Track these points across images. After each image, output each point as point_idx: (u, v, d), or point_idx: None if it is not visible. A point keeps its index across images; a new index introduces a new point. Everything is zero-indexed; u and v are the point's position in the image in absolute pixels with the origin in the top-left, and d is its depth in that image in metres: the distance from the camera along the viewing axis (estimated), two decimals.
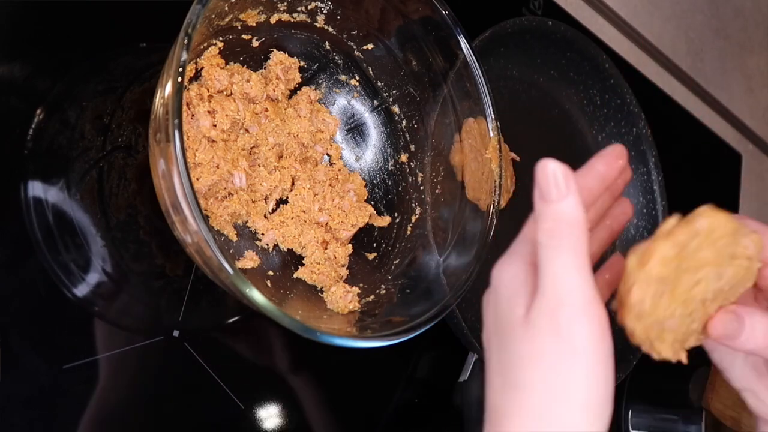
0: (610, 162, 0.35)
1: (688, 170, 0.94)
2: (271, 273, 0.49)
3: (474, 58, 0.50)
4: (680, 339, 0.34)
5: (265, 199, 0.50)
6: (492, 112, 0.50)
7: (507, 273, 0.33)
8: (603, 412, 0.30)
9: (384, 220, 0.54)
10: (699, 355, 0.87)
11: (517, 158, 0.64)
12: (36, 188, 0.45)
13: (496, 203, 0.49)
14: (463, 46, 0.49)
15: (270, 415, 0.53)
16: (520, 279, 0.32)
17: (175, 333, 0.49)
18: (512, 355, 0.31)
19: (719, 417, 0.76)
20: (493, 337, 0.33)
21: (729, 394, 0.78)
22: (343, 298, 0.48)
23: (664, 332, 0.33)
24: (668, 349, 0.33)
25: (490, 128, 0.50)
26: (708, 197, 1.08)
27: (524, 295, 0.32)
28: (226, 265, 0.37)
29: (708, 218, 0.32)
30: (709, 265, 0.32)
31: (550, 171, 0.30)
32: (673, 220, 0.32)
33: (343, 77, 0.54)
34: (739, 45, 1.09)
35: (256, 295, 0.38)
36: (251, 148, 0.50)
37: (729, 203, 1.03)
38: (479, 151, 0.51)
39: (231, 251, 0.48)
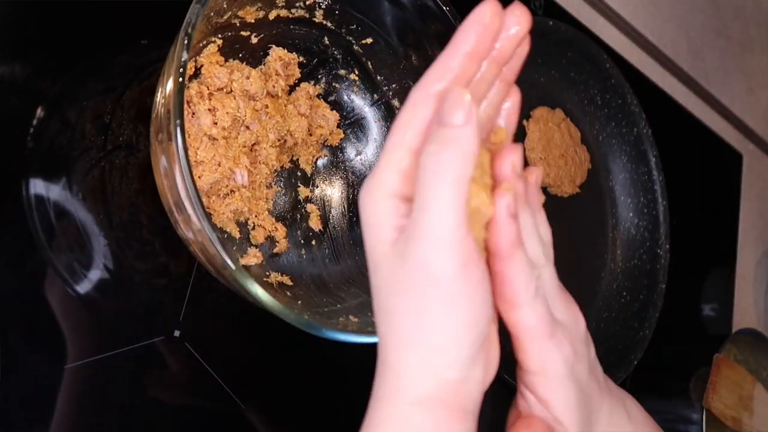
0: (478, 32, 0.31)
1: (689, 170, 0.94)
2: (274, 270, 0.49)
3: None
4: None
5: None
6: None
7: (380, 191, 0.32)
8: (469, 330, 0.30)
9: None
10: (699, 355, 0.87)
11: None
12: (38, 187, 0.45)
13: None
14: None
15: (270, 415, 0.53)
16: (392, 203, 0.31)
17: (176, 333, 0.49)
18: (381, 280, 0.32)
19: (719, 417, 0.76)
20: (368, 258, 0.33)
21: (729, 394, 0.78)
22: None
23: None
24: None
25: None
26: (708, 197, 1.09)
27: (396, 216, 0.31)
28: (229, 262, 0.37)
29: None
30: None
31: (465, 98, 0.29)
32: None
33: (342, 72, 0.54)
34: (740, 45, 1.09)
35: (260, 292, 0.38)
36: (252, 145, 0.50)
37: (730, 203, 1.03)
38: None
39: (234, 248, 0.48)
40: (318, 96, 0.54)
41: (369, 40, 0.52)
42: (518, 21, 0.32)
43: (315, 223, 0.54)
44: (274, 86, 0.51)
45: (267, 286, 0.47)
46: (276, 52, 0.51)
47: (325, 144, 0.55)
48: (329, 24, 0.51)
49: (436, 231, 0.29)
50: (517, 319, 0.32)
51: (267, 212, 0.51)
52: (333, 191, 0.55)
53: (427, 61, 0.52)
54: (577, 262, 0.73)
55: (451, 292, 0.30)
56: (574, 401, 0.33)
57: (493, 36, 0.31)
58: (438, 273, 0.30)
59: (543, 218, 0.35)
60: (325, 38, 0.52)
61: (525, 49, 0.33)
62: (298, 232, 0.53)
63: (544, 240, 0.35)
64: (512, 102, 0.35)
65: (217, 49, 0.48)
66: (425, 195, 0.29)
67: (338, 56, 0.53)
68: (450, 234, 0.29)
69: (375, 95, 0.55)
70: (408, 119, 0.31)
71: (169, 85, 0.37)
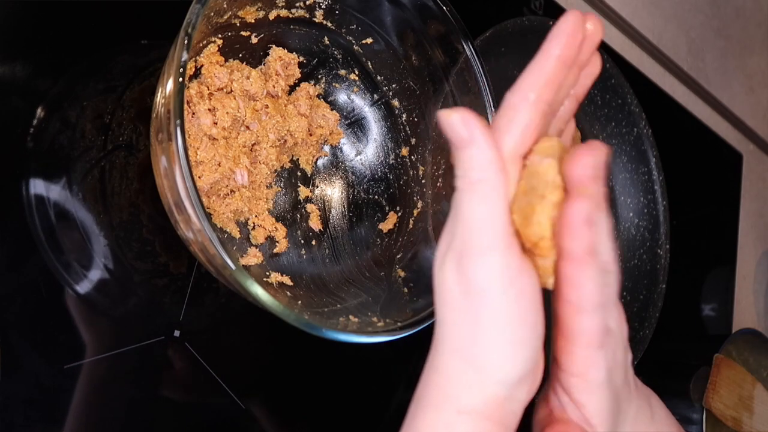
0: (569, 43, 0.32)
1: (689, 170, 0.94)
2: (274, 270, 0.49)
3: (474, 53, 0.50)
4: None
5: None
6: (493, 107, 0.50)
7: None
8: (521, 350, 0.31)
9: (390, 221, 0.54)
10: (699, 355, 0.87)
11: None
12: (38, 187, 0.45)
13: None
14: (463, 41, 0.50)
15: (270, 415, 0.53)
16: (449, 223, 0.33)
17: (176, 333, 0.49)
18: (436, 292, 0.33)
19: (719, 417, 0.76)
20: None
21: (729, 394, 0.78)
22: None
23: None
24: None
25: (490, 122, 0.50)
26: (709, 197, 1.08)
27: (447, 235, 0.33)
28: (230, 262, 0.37)
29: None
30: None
31: (454, 118, 0.30)
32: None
33: (342, 72, 0.54)
34: (740, 45, 1.09)
35: (260, 292, 0.38)
36: (252, 145, 0.50)
37: (730, 203, 1.03)
38: None
39: (234, 248, 0.48)
40: (318, 96, 0.54)
41: (369, 40, 0.52)
42: (592, 25, 0.33)
43: (315, 223, 0.54)
44: (274, 86, 0.51)
45: (267, 286, 0.47)
46: (276, 52, 0.51)
47: (325, 144, 0.55)
48: (329, 24, 0.51)
49: (476, 245, 0.30)
50: (576, 325, 0.32)
51: (267, 212, 0.51)
52: (333, 191, 0.55)
53: (427, 61, 0.52)
54: None
55: (503, 306, 0.30)
56: (607, 406, 0.33)
57: (580, 41, 0.32)
58: (485, 285, 0.30)
59: (607, 221, 0.35)
60: (325, 38, 0.52)
61: (597, 67, 0.34)
62: (298, 232, 0.53)
63: (611, 246, 0.35)
64: (570, 126, 0.36)
65: (217, 49, 0.48)
66: (460, 212, 0.31)
67: (338, 56, 0.53)
68: (489, 247, 0.30)
69: (375, 95, 0.55)
70: (505, 123, 0.32)
71: (169, 85, 0.37)
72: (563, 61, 0.32)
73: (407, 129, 0.55)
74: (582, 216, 0.30)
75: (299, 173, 0.54)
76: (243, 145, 0.49)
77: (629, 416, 0.36)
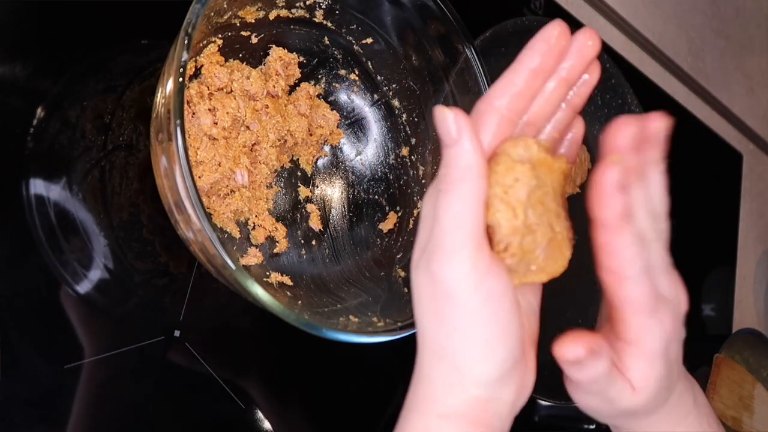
0: (545, 57, 0.32)
1: (689, 170, 0.94)
2: (274, 270, 0.49)
3: (474, 53, 0.50)
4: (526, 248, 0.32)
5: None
6: None
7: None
8: (495, 350, 0.31)
9: (390, 221, 0.54)
10: (699, 355, 0.87)
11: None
12: (38, 187, 0.45)
13: None
14: (463, 41, 0.50)
15: (270, 415, 0.53)
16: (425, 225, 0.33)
17: (176, 333, 0.49)
18: (413, 294, 0.33)
19: (720, 417, 0.76)
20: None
21: (730, 394, 0.78)
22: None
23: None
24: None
25: None
26: (709, 197, 1.08)
27: (423, 236, 0.33)
28: (230, 262, 0.37)
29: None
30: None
31: (447, 115, 0.30)
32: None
33: (342, 72, 0.54)
34: (740, 45, 1.09)
35: (260, 292, 0.38)
36: (252, 145, 0.50)
37: (729, 203, 1.03)
38: None
39: (234, 248, 0.48)
40: (318, 96, 0.54)
41: (369, 40, 0.52)
42: (587, 41, 0.33)
43: (315, 223, 0.54)
44: (274, 86, 0.51)
45: (267, 286, 0.47)
46: (276, 52, 0.51)
47: (326, 144, 0.55)
48: (329, 24, 0.51)
49: (447, 246, 0.30)
50: (621, 292, 0.32)
51: (267, 212, 0.51)
52: (333, 191, 0.55)
53: (427, 61, 0.52)
54: (577, 262, 0.72)
55: (472, 307, 0.30)
56: (657, 377, 0.33)
57: (559, 55, 0.32)
58: (453, 286, 0.30)
59: (658, 189, 0.35)
60: (326, 38, 0.52)
61: (595, 76, 0.34)
62: (298, 232, 0.53)
63: (657, 212, 0.34)
64: (575, 133, 0.36)
65: (217, 49, 0.48)
66: (437, 212, 0.31)
67: (338, 56, 0.53)
68: (459, 248, 0.30)
69: (375, 95, 0.55)
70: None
71: (170, 85, 0.37)
72: (536, 73, 0.32)
73: (407, 129, 0.55)
74: (611, 183, 0.30)
75: (299, 173, 0.54)
76: (243, 145, 0.49)
77: (674, 394, 0.36)
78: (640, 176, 0.33)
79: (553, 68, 0.33)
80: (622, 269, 0.31)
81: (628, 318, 0.32)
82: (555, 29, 0.32)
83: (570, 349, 0.31)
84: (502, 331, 0.31)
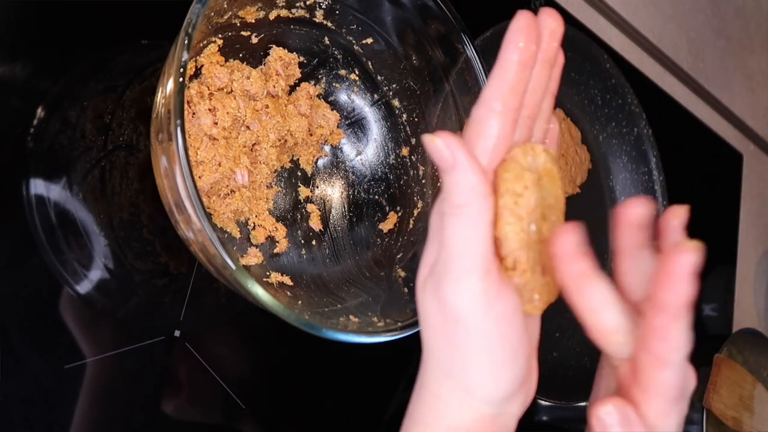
0: (526, 45, 0.31)
1: (690, 170, 0.94)
2: (275, 270, 0.49)
3: (474, 53, 0.50)
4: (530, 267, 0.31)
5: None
6: None
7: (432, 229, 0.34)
8: (504, 372, 0.31)
9: (390, 221, 0.54)
10: (699, 355, 0.87)
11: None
12: (38, 187, 0.45)
13: None
14: (463, 40, 0.50)
15: (271, 415, 0.53)
16: (432, 245, 0.33)
17: (177, 333, 0.49)
18: (419, 314, 0.33)
19: (720, 417, 0.76)
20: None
21: (730, 394, 0.78)
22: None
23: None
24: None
25: None
26: (709, 197, 1.08)
27: (429, 258, 0.33)
28: (230, 262, 0.37)
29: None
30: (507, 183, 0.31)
31: (436, 143, 0.30)
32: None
33: (342, 72, 0.54)
34: (740, 45, 1.09)
35: (260, 292, 0.38)
36: (252, 145, 0.50)
37: (730, 203, 1.03)
38: None
39: (234, 248, 0.48)
40: (318, 96, 0.54)
41: (369, 40, 0.52)
42: (552, 20, 0.32)
43: (315, 223, 0.54)
44: (274, 86, 0.51)
45: (267, 286, 0.47)
46: (276, 52, 0.51)
47: (326, 144, 0.55)
48: (329, 24, 0.51)
49: (455, 271, 0.30)
50: (658, 377, 0.31)
51: (267, 212, 0.51)
52: (333, 191, 0.55)
53: (427, 61, 0.52)
54: None
55: (482, 331, 0.30)
56: None
57: (536, 41, 0.32)
58: (463, 313, 0.30)
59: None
60: (326, 38, 0.52)
61: (562, 56, 0.34)
62: (299, 232, 0.53)
63: None
64: (553, 127, 0.36)
65: (217, 49, 0.48)
66: (444, 236, 0.31)
67: (338, 56, 0.53)
68: (468, 273, 0.30)
69: (375, 95, 0.55)
70: (474, 138, 0.31)
71: (170, 85, 0.37)
72: (524, 64, 0.31)
73: (407, 129, 0.55)
74: (688, 269, 0.28)
75: (299, 173, 0.54)
76: (243, 145, 0.49)
77: None
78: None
79: (535, 54, 0.32)
80: (669, 355, 0.30)
81: (654, 403, 0.31)
82: (523, 19, 0.31)
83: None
84: (512, 353, 0.31)
